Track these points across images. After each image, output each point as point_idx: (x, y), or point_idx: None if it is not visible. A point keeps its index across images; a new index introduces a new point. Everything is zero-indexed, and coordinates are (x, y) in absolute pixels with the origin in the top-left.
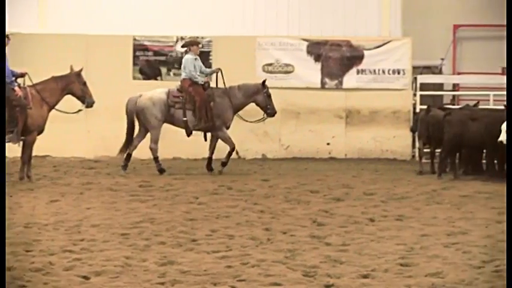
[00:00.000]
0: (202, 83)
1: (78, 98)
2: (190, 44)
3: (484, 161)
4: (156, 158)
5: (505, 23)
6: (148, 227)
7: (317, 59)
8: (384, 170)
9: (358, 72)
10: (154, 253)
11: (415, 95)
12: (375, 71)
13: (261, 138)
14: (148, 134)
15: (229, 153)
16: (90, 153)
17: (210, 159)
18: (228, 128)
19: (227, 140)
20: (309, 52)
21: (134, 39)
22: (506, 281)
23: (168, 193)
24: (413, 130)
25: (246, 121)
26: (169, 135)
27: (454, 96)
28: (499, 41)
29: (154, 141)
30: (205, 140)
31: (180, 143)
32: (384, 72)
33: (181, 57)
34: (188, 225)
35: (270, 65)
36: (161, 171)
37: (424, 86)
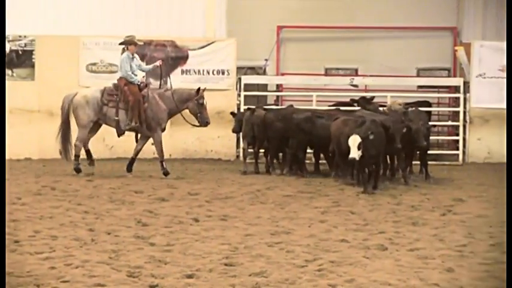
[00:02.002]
0: (139, 83)
1: None
2: (128, 43)
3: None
4: (77, 156)
5: (398, 24)
6: None
7: (142, 59)
8: (208, 170)
9: (182, 72)
10: None
11: (239, 95)
12: (199, 71)
13: None
14: (102, 130)
15: (161, 160)
16: None
17: (133, 159)
18: (163, 130)
19: (158, 144)
20: None
21: None
22: (507, 281)
23: None
24: (235, 131)
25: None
26: None
27: (277, 96)
28: (322, 42)
29: (81, 139)
30: (136, 141)
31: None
32: (208, 72)
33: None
34: (11, 227)
35: (94, 64)
36: (77, 170)
37: (248, 87)
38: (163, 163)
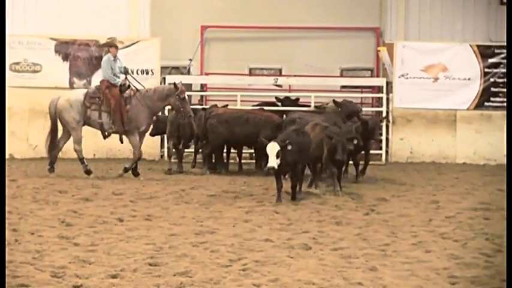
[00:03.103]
0: (119, 84)
1: None
2: (109, 45)
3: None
4: (81, 160)
5: (322, 24)
6: None
7: (65, 58)
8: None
9: None
10: None
11: None
12: None
13: (8, 137)
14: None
15: (134, 161)
16: None
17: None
18: (145, 132)
19: (135, 146)
20: (57, 51)
21: None
22: (507, 282)
23: None
24: (152, 134)
25: None
26: None
27: (202, 96)
28: (246, 42)
29: (77, 142)
30: (122, 142)
31: None
32: (132, 72)
33: None
34: None
35: (18, 63)
36: (88, 172)
37: None
38: (137, 164)
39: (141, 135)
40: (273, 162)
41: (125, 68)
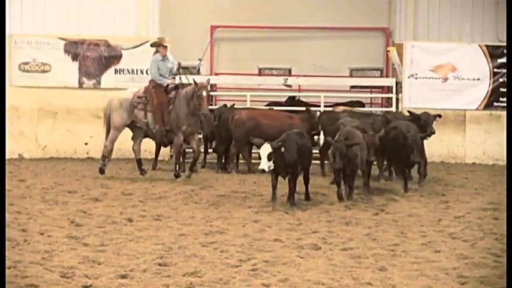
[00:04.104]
0: (166, 84)
1: None
2: (157, 45)
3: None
4: (104, 157)
5: (331, 24)
6: None
7: (74, 58)
8: None
9: (116, 72)
10: None
11: None
12: (132, 70)
13: (17, 137)
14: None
15: (176, 160)
16: None
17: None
18: (190, 132)
19: (174, 145)
20: (66, 51)
21: None
22: (506, 281)
23: None
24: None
25: None
26: None
27: (212, 96)
28: (256, 42)
29: (111, 141)
30: (165, 146)
31: None
32: (141, 72)
33: None
34: None
35: (27, 63)
36: (101, 171)
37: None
38: (177, 166)
39: (189, 136)
40: (264, 164)
41: (179, 64)
